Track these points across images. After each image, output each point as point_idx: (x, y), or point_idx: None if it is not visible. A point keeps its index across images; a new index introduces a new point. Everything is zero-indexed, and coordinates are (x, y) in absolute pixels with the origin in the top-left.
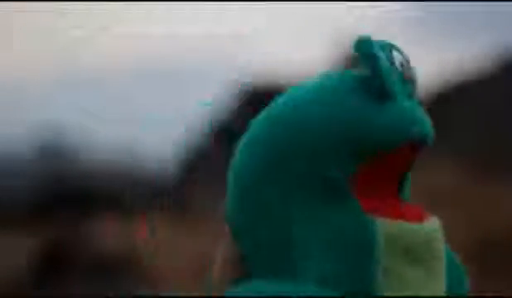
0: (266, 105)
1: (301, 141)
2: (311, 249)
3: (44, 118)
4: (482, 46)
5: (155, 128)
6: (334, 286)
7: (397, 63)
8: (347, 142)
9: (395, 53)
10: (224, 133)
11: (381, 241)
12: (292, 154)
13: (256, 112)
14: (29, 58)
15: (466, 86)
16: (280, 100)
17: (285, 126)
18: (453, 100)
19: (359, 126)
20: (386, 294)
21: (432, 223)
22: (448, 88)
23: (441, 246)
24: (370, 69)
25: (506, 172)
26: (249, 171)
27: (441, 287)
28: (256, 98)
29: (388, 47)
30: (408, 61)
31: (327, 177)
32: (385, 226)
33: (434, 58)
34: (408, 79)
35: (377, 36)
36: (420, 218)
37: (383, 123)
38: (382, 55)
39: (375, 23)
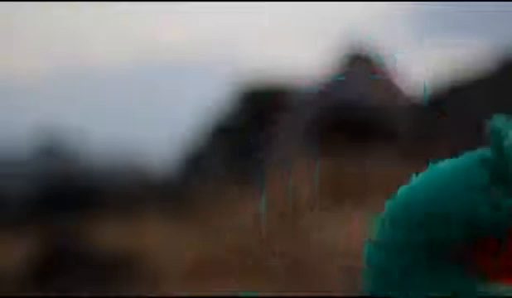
0: (266, 105)
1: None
2: None
3: (43, 118)
4: (482, 46)
5: (155, 128)
6: None
7: None
8: (468, 232)
9: None
10: (224, 133)
11: None
12: (415, 260)
13: (255, 112)
14: (28, 56)
15: (466, 86)
16: (404, 194)
17: (405, 226)
18: (453, 100)
19: (481, 214)
20: None
21: None
22: (448, 88)
23: None
24: (495, 150)
25: None
26: (378, 276)
27: None
28: (255, 99)
29: None
30: None
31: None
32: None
33: (434, 58)
34: None
35: (376, 36)
36: None
37: (500, 212)
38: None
39: (375, 23)
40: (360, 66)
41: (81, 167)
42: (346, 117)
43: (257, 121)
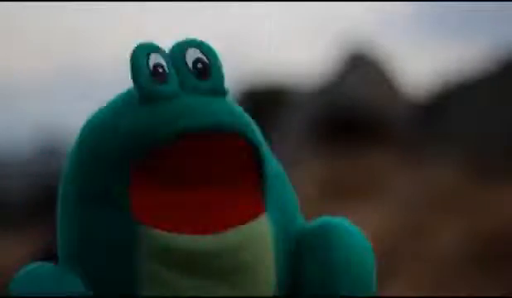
0: (266, 105)
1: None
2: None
3: (43, 118)
4: (482, 46)
5: None
6: (95, 284)
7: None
8: (113, 151)
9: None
10: None
11: (146, 249)
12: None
13: (255, 112)
14: (28, 56)
15: (466, 86)
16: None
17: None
18: (453, 100)
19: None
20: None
21: (231, 235)
22: (448, 88)
23: (241, 258)
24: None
25: (506, 173)
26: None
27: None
28: (255, 98)
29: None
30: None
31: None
32: (155, 237)
33: (434, 58)
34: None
35: (377, 36)
36: (211, 229)
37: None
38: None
39: (375, 23)
40: (360, 66)
41: None
42: (346, 117)
43: (257, 121)
